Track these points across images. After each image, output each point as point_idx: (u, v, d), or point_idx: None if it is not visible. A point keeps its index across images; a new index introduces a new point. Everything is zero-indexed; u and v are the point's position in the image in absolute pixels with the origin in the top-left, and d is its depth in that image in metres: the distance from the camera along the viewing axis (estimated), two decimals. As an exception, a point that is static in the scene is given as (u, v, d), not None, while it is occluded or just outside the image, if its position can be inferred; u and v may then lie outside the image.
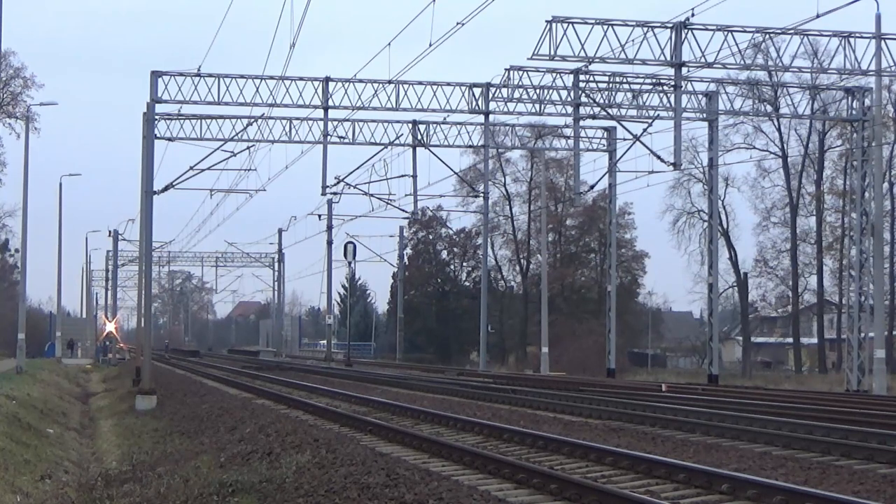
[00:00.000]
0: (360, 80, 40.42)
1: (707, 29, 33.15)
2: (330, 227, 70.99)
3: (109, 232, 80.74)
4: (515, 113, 43.10)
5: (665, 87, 37.47)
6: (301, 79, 40.25)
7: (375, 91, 40.72)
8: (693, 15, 31.24)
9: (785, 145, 66.47)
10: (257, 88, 39.67)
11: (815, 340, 70.33)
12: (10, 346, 57.70)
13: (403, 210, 50.48)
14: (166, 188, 40.23)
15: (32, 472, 17.51)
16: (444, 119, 44.82)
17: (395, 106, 41.38)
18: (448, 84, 42.42)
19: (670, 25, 32.80)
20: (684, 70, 33.65)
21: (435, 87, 41.85)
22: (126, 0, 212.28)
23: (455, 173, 57.96)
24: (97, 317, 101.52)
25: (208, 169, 42.91)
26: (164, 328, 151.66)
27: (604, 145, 46.50)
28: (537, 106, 41.48)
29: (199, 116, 42.27)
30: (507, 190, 80.00)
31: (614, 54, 32.80)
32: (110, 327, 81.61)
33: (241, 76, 39.89)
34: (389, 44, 33.17)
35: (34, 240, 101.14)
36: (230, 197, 53.89)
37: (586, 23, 32.51)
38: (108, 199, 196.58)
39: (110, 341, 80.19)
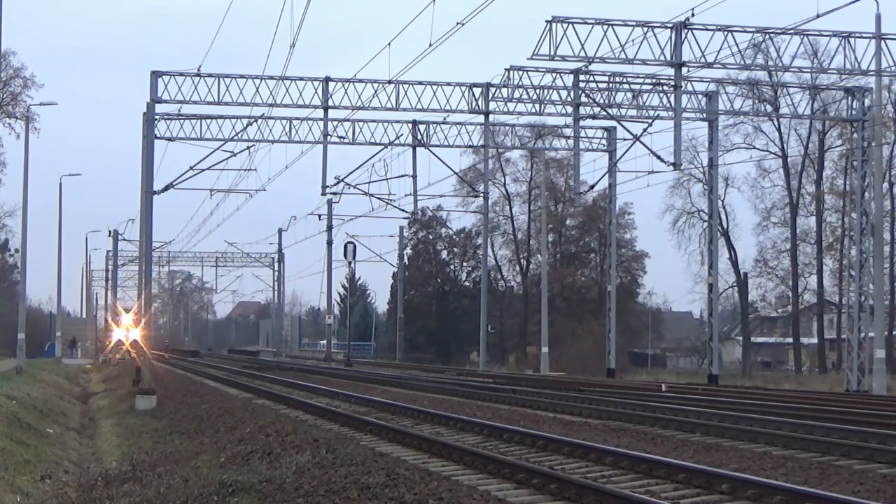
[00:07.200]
0: (360, 80, 40.49)
1: (707, 29, 33.17)
2: (330, 227, 71.07)
3: (109, 232, 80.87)
4: (515, 113, 43.19)
5: (665, 87, 37.48)
6: (301, 79, 40.29)
7: (375, 91, 40.78)
8: (693, 15, 31.28)
9: (785, 145, 66.55)
10: (257, 88, 39.73)
11: (815, 340, 70.34)
12: (10, 346, 57.60)
13: (403, 210, 50.61)
14: (166, 188, 40.36)
15: (32, 472, 17.50)
16: (444, 119, 44.92)
17: (395, 106, 41.43)
18: (448, 84, 42.47)
19: (670, 25, 32.82)
20: (684, 70, 33.67)
21: (435, 87, 41.90)
22: (126, 0, 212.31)
23: (455, 173, 58.09)
24: (97, 317, 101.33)
25: (208, 169, 43.08)
26: (164, 328, 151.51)
27: (604, 145, 46.53)
28: (537, 106, 41.52)
29: (199, 116, 42.33)
30: (507, 190, 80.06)
31: (614, 54, 32.83)
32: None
33: (241, 76, 39.93)
34: (389, 44, 33.29)
35: (34, 240, 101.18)
36: (230, 197, 54.03)
37: (586, 23, 32.53)
38: (108, 199, 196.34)
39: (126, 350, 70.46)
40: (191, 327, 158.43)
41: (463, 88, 42.98)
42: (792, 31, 33.52)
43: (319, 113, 41.70)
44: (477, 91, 43.22)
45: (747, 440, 16.91)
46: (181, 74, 39.24)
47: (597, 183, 53.27)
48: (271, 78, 39.40)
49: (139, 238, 47.71)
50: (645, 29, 32.86)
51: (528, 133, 52.64)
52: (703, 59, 33.23)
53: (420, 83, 41.52)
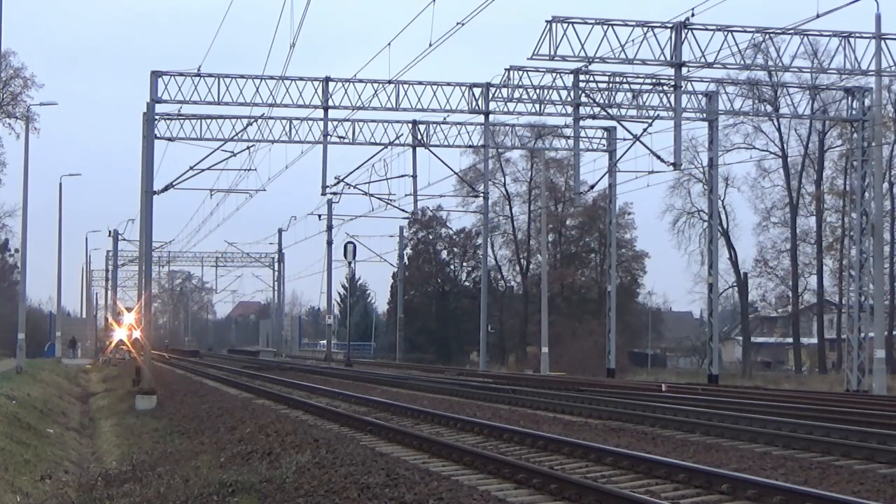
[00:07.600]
0: (360, 80, 40.46)
1: (707, 29, 33.16)
2: (330, 227, 71.07)
3: (109, 232, 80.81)
4: (515, 113, 43.14)
5: (665, 87, 37.47)
6: (301, 79, 40.26)
7: (375, 91, 40.75)
8: (693, 15, 31.27)
9: (785, 145, 66.54)
10: (257, 88, 39.69)
11: (815, 340, 70.34)
12: (10, 346, 57.58)
13: (403, 210, 50.57)
14: (166, 188, 40.32)
15: (32, 472, 17.49)
16: (444, 119, 44.89)
17: (395, 106, 41.40)
18: (448, 84, 42.44)
19: (670, 25, 32.81)
20: (684, 70, 33.65)
21: (435, 87, 41.87)
22: (126, 0, 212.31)
23: (455, 173, 58.07)
24: (97, 317, 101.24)
25: (208, 169, 43.03)
26: (164, 328, 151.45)
27: (604, 145, 46.51)
28: (537, 106, 41.49)
29: (199, 116, 42.29)
30: (507, 190, 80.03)
31: (614, 54, 32.82)
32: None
33: (241, 76, 39.90)
34: (389, 44, 33.26)
35: (34, 240, 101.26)
36: (230, 197, 53.99)
37: (586, 23, 32.52)
38: (108, 199, 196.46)
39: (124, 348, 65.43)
40: (191, 327, 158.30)
41: (463, 88, 42.96)
42: (792, 31, 33.52)
43: (319, 113, 41.68)
44: (477, 91, 43.20)
45: (747, 440, 16.92)
46: (181, 74, 39.21)
47: (597, 183, 53.31)
48: (271, 78, 39.39)
49: (139, 238, 47.66)
50: (645, 29, 32.85)
51: (528, 133, 52.62)
52: (703, 59, 33.21)
53: (420, 83, 41.50)
